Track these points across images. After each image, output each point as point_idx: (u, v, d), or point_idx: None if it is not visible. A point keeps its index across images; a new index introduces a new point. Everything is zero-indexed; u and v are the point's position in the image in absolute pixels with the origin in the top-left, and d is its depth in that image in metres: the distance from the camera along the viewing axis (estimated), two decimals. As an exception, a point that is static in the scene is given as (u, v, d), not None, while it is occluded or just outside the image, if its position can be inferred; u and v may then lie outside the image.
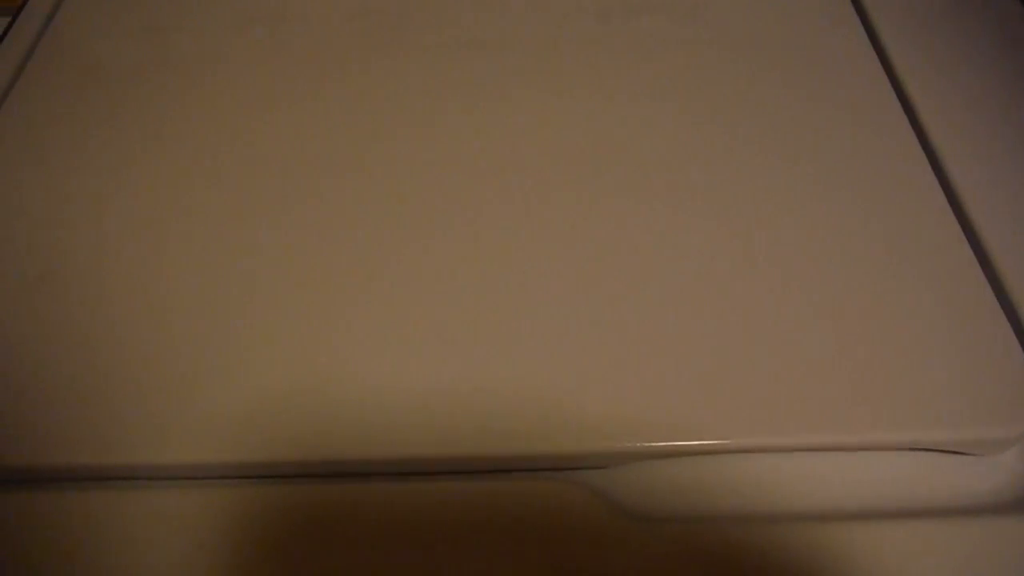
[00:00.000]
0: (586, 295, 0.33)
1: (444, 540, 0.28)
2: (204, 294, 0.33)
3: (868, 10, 0.46)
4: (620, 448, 0.29)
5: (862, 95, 0.41)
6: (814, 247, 0.35)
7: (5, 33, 0.44)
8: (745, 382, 0.30)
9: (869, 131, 0.39)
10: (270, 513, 0.29)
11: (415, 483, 0.29)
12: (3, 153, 0.39)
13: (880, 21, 0.45)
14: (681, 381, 0.30)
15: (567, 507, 0.29)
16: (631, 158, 0.38)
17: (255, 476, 0.30)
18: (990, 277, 0.34)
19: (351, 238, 0.35)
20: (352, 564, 0.28)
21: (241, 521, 0.28)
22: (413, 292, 0.33)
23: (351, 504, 0.29)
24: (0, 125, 0.40)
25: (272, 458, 0.29)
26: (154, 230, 0.35)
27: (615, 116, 0.40)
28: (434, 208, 0.36)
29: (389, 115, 0.40)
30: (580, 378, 0.30)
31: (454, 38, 0.44)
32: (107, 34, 0.44)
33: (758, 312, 0.32)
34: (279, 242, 0.35)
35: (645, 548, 0.28)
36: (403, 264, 0.34)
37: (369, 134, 0.39)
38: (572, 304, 0.33)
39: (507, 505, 0.29)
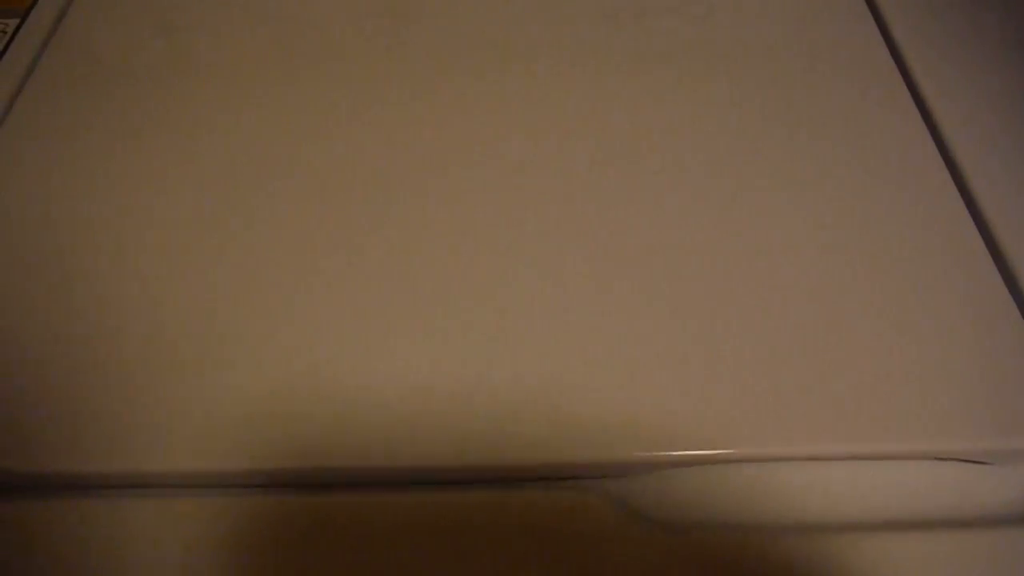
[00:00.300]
0: (606, 302, 0.33)
1: (459, 552, 0.28)
2: (206, 299, 0.33)
3: (881, 8, 0.45)
4: (639, 457, 0.29)
5: (875, 95, 0.41)
6: (830, 252, 0.34)
7: (15, 34, 0.44)
8: (762, 390, 0.30)
9: (883, 132, 0.39)
10: (283, 524, 0.29)
11: (427, 494, 0.29)
12: (14, 153, 0.38)
13: (893, 19, 0.45)
14: (699, 390, 0.30)
15: (586, 516, 0.29)
16: (642, 162, 0.38)
17: (263, 485, 0.30)
18: (1008, 282, 0.34)
19: (358, 240, 0.35)
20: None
21: (249, 531, 0.28)
22: (427, 296, 0.33)
23: (364, 515, 0.29)
24: (11, 125, 0.40)
25: (286, 465, 0.29)
26: (156, 231, 0.35)
27: (625, 119, 0.40)
28: (445, 211, 0.36)
29: (396, 117, 0.40)
30: (599, 386, 0.30)
31: (462, 39, 0.43)
32: (118, 33, 0.44)
33: (776, 320, 0.32)
34: (282, 245, 0.35)
35: (665, 557, 0.28)
36: (416, 267, 0.34)
37: (374, 135, 0.39)
38: (591, 311, 0.32)
39: (524, 515, 0.29)
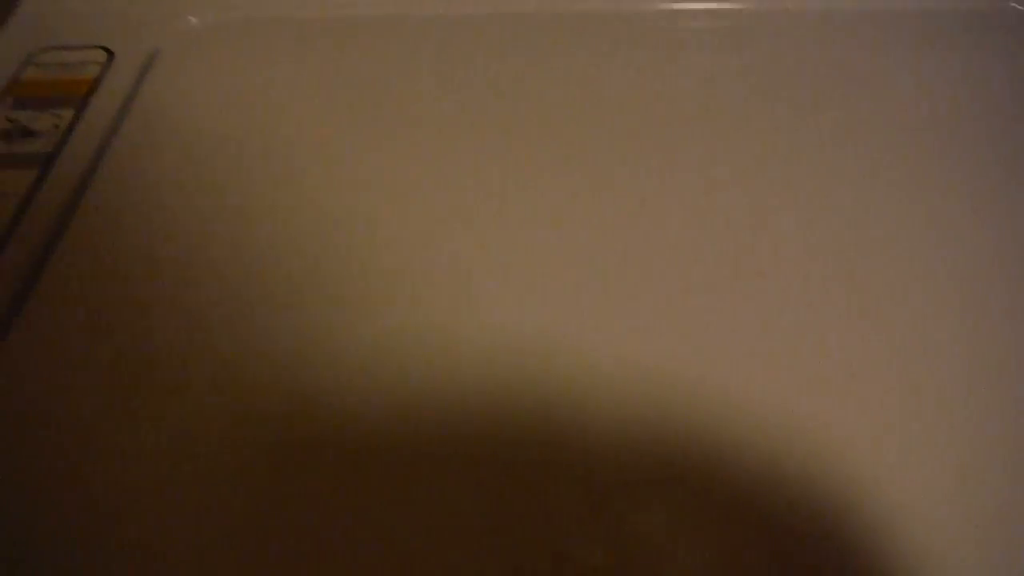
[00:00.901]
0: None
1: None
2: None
3: None
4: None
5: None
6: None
7: (72, 125, 0.39)
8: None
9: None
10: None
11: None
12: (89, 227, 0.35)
13: None
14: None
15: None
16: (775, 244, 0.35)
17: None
18: None
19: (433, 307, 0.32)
20: None
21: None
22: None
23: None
24: (72, 237, 0.35)
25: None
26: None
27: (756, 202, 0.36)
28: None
29: (479, 187, 0.37)
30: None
31: (538, 108, 0.41)
32: (194, 110, 0.41)
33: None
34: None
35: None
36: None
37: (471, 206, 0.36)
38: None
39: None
